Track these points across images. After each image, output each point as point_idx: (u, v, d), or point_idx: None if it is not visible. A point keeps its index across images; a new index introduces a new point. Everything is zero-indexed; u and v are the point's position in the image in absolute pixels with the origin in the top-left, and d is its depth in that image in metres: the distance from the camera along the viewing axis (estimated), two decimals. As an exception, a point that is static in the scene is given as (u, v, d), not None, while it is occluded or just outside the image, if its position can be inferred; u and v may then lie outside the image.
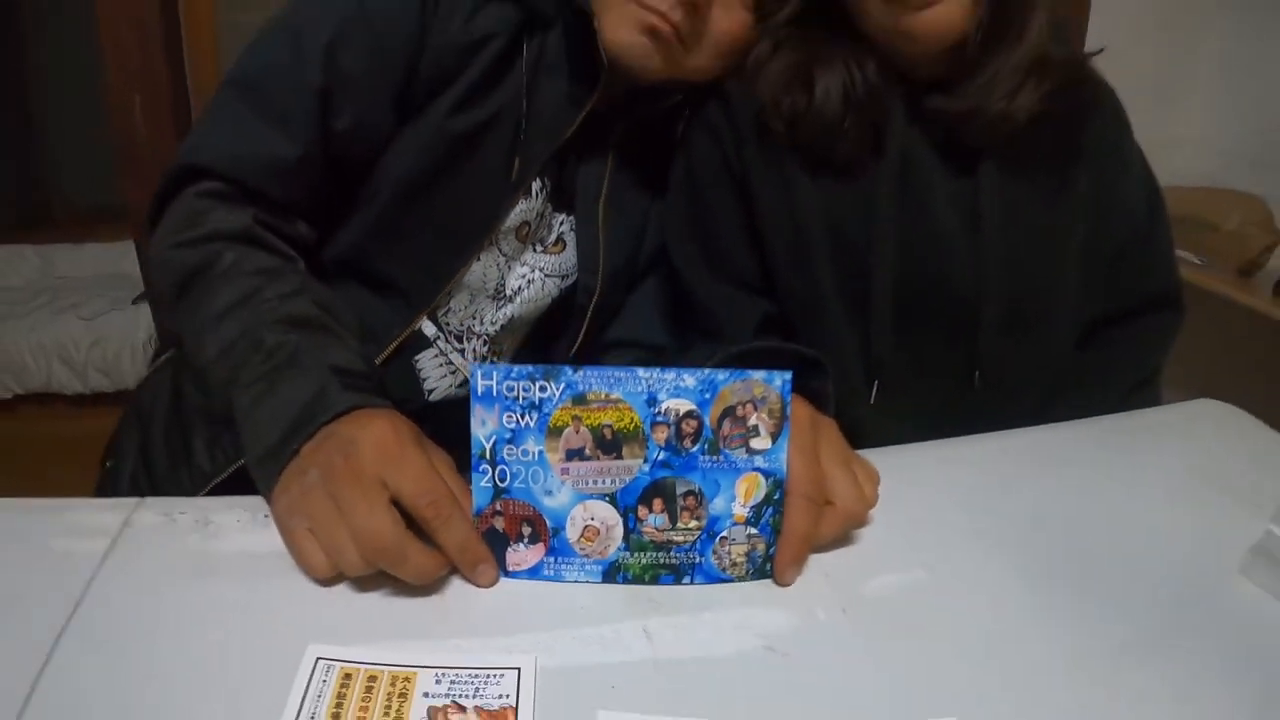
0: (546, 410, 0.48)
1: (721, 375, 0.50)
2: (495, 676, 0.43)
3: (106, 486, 0.88)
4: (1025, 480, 0.72)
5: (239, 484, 0.71)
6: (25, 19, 2.95)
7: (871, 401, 0.83)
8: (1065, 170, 0.84)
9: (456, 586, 0.51)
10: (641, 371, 0.49)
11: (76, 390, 2.63)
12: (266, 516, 0.57)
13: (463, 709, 0.41)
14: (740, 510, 0.51)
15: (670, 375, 0.49)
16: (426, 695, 0.42)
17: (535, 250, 0.86)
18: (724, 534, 0.51)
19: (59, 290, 2.92)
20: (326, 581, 0.50)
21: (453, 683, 0.43)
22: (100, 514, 0.62)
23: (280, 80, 0.73)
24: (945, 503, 0.66)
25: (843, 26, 0.80)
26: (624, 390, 0.49)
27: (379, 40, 0.73)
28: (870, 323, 0.82)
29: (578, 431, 0.49)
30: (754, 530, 0.51)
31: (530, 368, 0.49)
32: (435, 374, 0.85)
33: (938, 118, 0.81)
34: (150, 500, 0.62)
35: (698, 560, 0.52)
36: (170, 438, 0.83)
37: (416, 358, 0.83)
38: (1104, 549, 0.63)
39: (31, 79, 3.03)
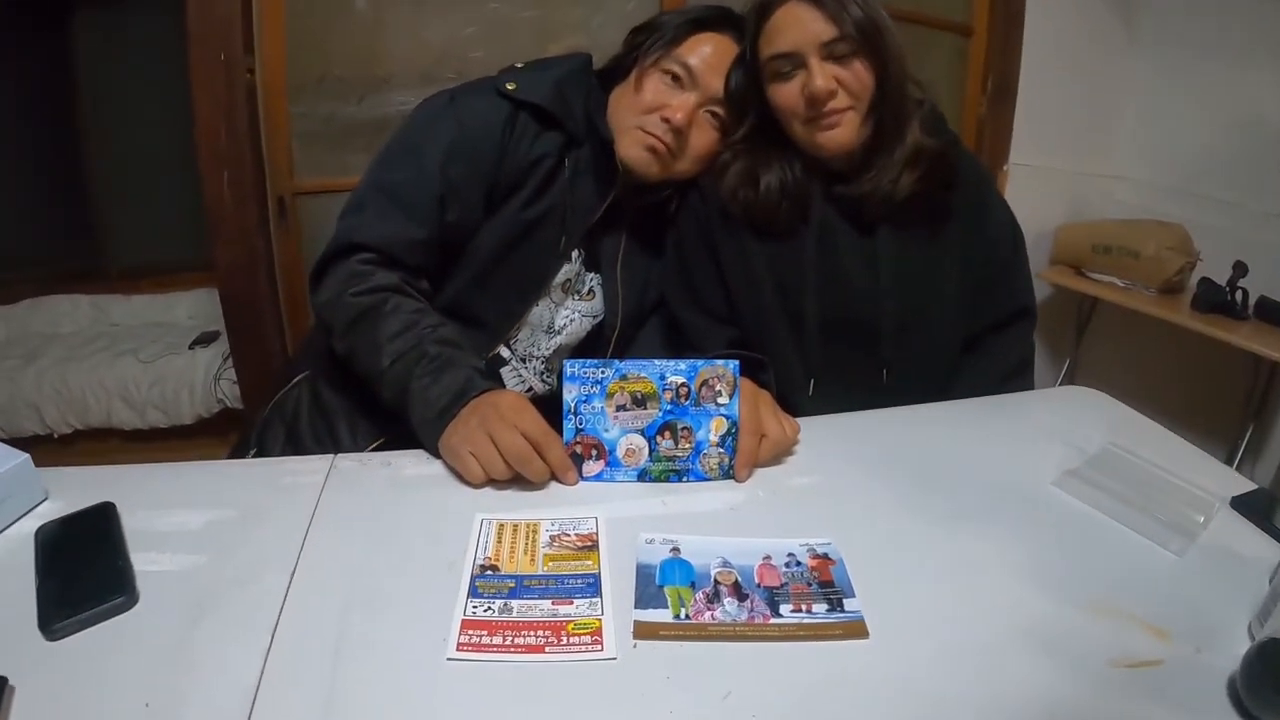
0: (605, 384, 0.83)
1: (700, 363, 0.84)
2: (583, 520, 0.76)
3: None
4: (908, 430, 0.95)
5: None
6: (83, 101, 3.17)
7: (810, 394, 1.09)
8: (939, 227, 1.08)
9: (554, 485, 0.83)
10: (657, 362, 0.83)
11: (135, 426, 2.74)
12: (428, 459, 0.86)
13: (568, 535, 0.74)
14: (713, 439, 0.84)
15: (672, 364, 0.83)
16: (547, 531, 0.75)
17: (574, 298, 1.15)
18: (705, 452, 0.84)
19: (113, 336, 3.04)
20: (479, 485, 0.81)
21: (561, 525, 0.76)
22: (309, 463, 0.88)
23: (411, 187, 1.01)
24: (845, 443, 0.92)
25: (779, 139, 1.07)
26: (647, 372, 0.84)
27: (475, 161, 1.02)
28: (804, 340, 1.08)
29: (623, 395, 0.83)
30: (722, 450, 0.84)
31: (596, 360, 0.83)
32: (511, 383, 1.14)
33: (844, 198, 1.06)
34: (341, 455, 0.89)
35: (690, 467, 0.84)
36: (316, 427, 1.08)
37: (499, 371, 1.12)
38: (956, 466, 0.86)
39: (85, 153, 3.22)
